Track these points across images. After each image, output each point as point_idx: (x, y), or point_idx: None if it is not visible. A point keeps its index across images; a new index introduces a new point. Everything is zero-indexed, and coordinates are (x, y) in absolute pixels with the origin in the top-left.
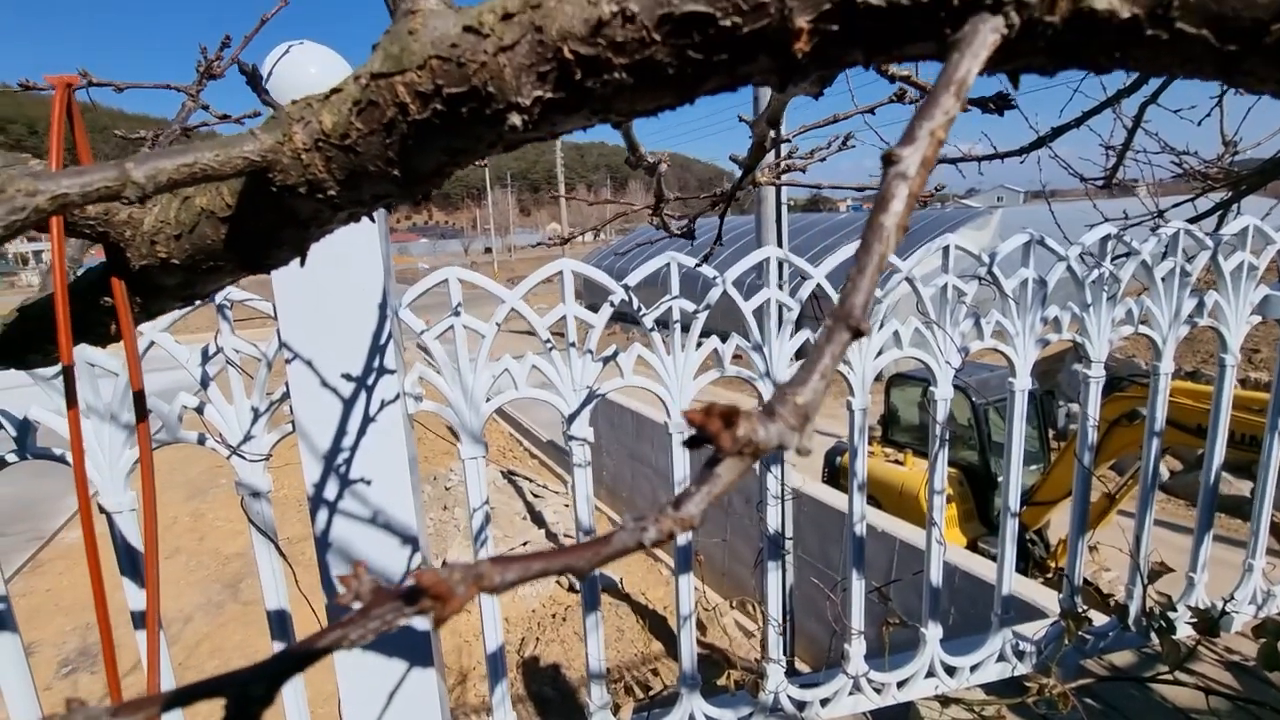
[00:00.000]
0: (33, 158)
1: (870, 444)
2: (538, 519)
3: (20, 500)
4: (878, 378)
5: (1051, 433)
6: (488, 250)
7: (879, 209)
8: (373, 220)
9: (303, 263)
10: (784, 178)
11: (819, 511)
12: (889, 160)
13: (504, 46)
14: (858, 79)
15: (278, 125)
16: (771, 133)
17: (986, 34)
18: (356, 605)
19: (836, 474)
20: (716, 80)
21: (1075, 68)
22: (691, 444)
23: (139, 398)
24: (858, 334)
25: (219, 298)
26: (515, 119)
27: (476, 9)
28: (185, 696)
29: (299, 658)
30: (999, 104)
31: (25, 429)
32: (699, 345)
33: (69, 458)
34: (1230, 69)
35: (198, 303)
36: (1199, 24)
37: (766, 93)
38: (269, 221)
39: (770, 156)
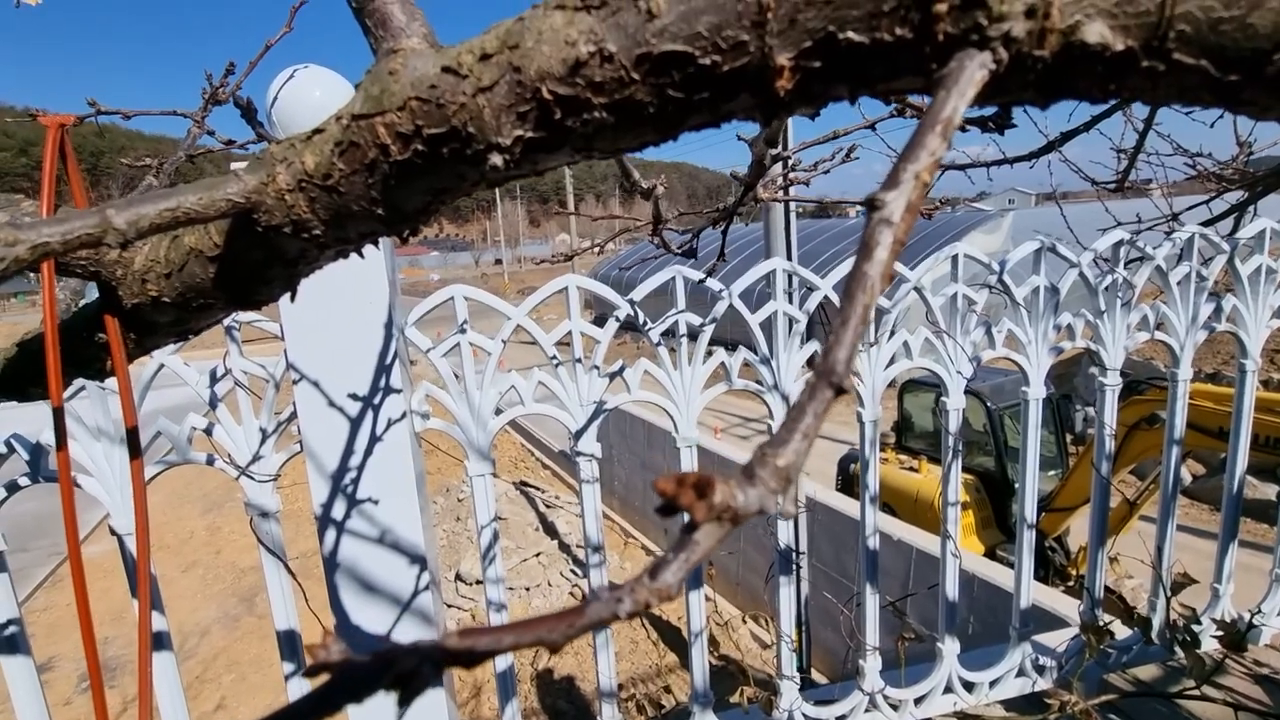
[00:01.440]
0: (25, 198)
1: (884, 450)
2: (550, 530)
3: (41, 516)
4: (890, 383)
5: (1069, 437)
6: (498, 262)
7: (863, 257)
8: (362, 256)
9: (293, 298)
10: (789, 192)
11: (833, 520)
12: (872, 205)
13: (483, 87)
14: None
15: (261, 166)
16: (771, 151)
17: (973, 71)
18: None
19: (850, 481)
20: (699, 118)
21: (1068, 99)
22: (663, 512)
23: (132, 434)
24: (840, 391)
25: (227, 320)
26: (496, 159)
27: (455, 49)
28: None
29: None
30: (998, 123)
31: (38, 454)
32: (706, 358)
33: (80, 480)
34: (1230, 99)
35: (191, 337)
36: (1197, 55)
37: None
38: (257, 260)
39: (777, 168)
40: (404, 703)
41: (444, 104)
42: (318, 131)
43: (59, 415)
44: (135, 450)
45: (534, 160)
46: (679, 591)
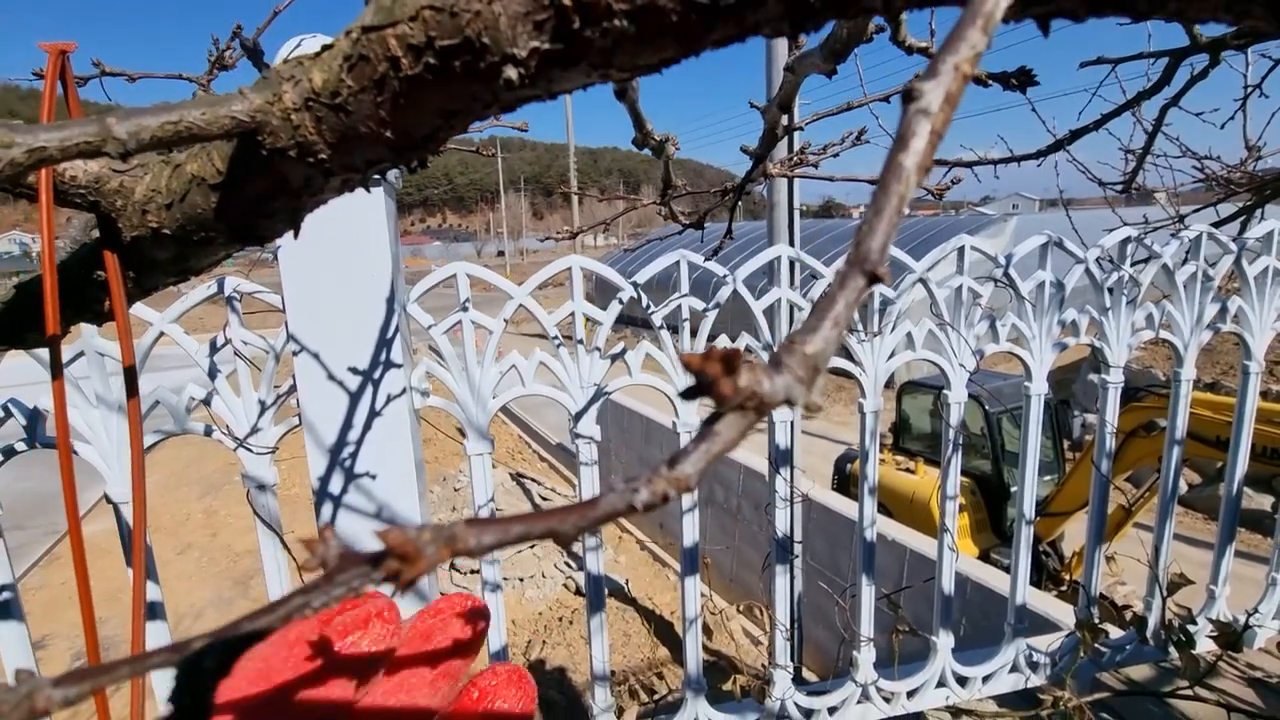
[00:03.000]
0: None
1: (881, 451)
2: None
3: (38, 494)
4: (888, 384)
5: (1066, 443)
6: (500, 254)
7: (898, 148)
8: (368, 190)
9: (296, 234)
10: (797, 172)
11: (828, 519)
12: (909, 96)
13: None
14: (871, 71)
15: (268, 85)
16: (784, 119)
17: None
18: (322, 572)
19: (846, 481)
20: (724, 30)
21: (1109, 13)
22: (688, 395)
23: (129, 373)
24: (874, 279)
25: (228, 289)
26: (511, 72)
27: None
28: (132, 667)
29: (257, 627)
30: (1021, 79)
31: (35, 418)
32: (708, 344)
33: (77, 446)
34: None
35: (190, 278)
36: None
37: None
38: (260, 189)
39: (783, 152)
40: (405, 587)
41: (458, 13)
42: (327, 47)
43: (54, 344)
44: (133, 389)
45: (549, 77)
46: (697, 483)
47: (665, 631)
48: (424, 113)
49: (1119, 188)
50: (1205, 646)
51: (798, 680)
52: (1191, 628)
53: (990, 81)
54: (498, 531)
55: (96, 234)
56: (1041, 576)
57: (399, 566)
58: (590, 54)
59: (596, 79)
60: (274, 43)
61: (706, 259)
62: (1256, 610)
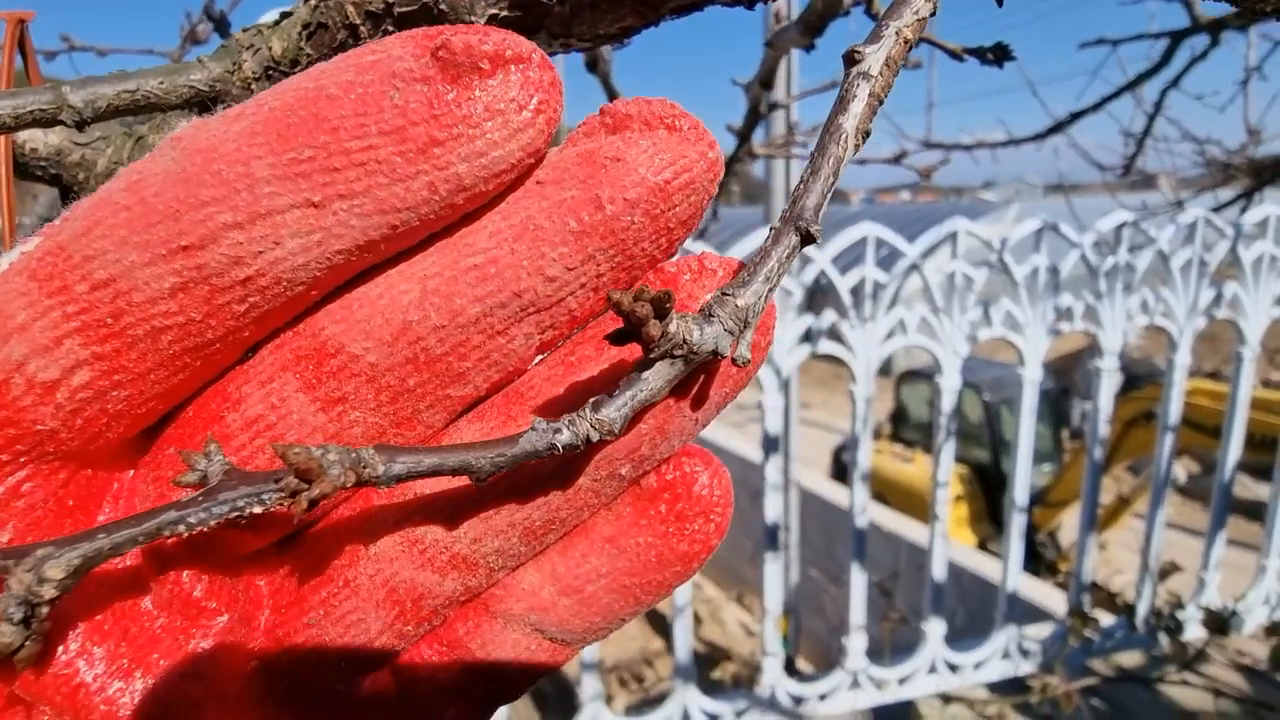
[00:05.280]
0: None
1: (879, 441)
2: None
3: None
4: (886, 372)
5: (1066, 432)
6: None
7: (838, 109)
8: None
9: None
10: (783, 152)
11: (824, 509)
12: (850, 59)
13: None
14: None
15: (227, 53)
16: (768, 97)
17: None
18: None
19: (844, 471)
20: None
21: None
22: (616, 339)
23: None
24: (808, 238)
25: None
26: None
27: None
28: None
29: (115, 540)
30: (998, 55)
31: None
32: None
33: None
34: None
35: None
36: None
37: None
38: None
39: (779, 130)
40: (306, 511)
41: None
42: (286, 15)
43: None
44: None
45: None
46: (621, 429)
47: (659, 622)
48: None
49: (1119, 172)
50: (1196, 633)
51: (793, 671)
52: (1181, 615)
53: (966, 56)
54: (409, 460)
55: (63, 211)
56: (1039, 566)
57: (297, 485)
58: (549, 22)
59: (558, 48)
60: (253, 14)
61: (697, 237)
62: (1245, 597)
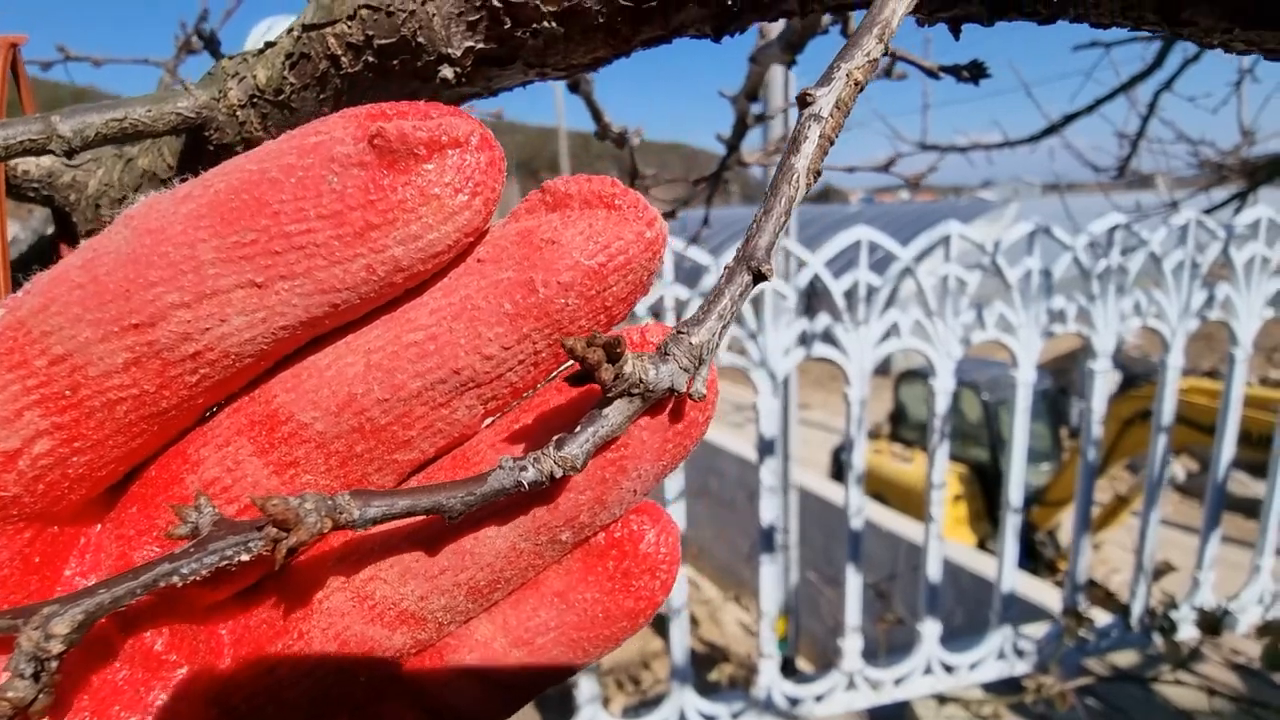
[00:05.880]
0: None
1: (878, 440)
2: None
3: None
4: (885, 371)
5: (1065, 431)
6: None
7: (790, 150)
8: None
9: None
10: (772, 160)
11: (824, 510)
12: (802, 101)
13: None
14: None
15: (213, 81)
16: (754, 109)
17: None
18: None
19: (844, 471)
20: (650, 30)
21: (1015, 17)
22: (574, 381)
23: None
24: (760, 278)
25: None
26: (447, 71)
27: None
28: None
29: (115, 594)
30: (973, 72)
31: None
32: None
33: None
34: (1173, 17)
35: None
36: None
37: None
38: None
39: (774, 138)
40: (287, 558)
41: (394, 12)
42: (270, 45)
43: None
44: None
45: (486, 76)
46: (584, 465)
47: (657, 621)
48: None
49: (1114, 173)
50: (1190, 633)
51: (793, 672)
52: (1175, 614)
53: (942, 74)
54: (383, 503)
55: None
56: (1038, 565)
57: (277, 534)
58: (524, 53)
59: (534, 77)
60: (248, 21)
61: (691, 242)
62: (1238, 596)
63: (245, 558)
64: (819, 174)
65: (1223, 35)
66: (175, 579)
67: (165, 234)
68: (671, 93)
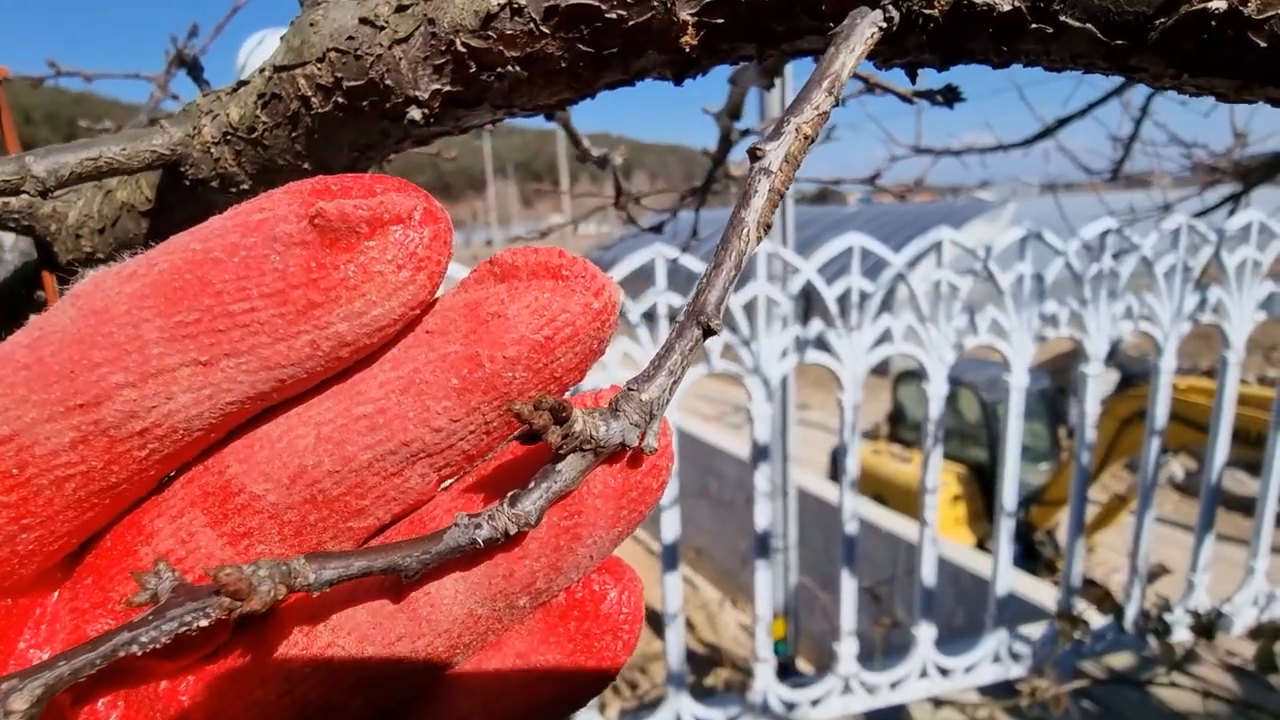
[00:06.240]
0: None
1: (877, 441)
2: None
3: None
4: (884, 371)
5: (1064, 430)
6: (489, 243)
7: (740, 204)
8: None
9: None
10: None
11: (823, 510)
12: (753, 155)
13: (399, 39)
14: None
15: (187, 118)
16: (736, 126)
17: (865, 28)
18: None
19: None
20: (612, 75)
21: (965, 62)
22: (525, 439)
23: None
24: (709, 332)
25: None
26: (415, 113)
27: (374, 1)
28: None
29: (75, 666)
30: (947, 96)
31: None
32: None
33: None
34: (1123, 64)
35: None
36: (1083, 18)
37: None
38: (188, 215)
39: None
40: (242, 624)
41: (362, 56)
42: (243, 84)
43: None
44: None
45: (455, 116)
46: (538, 520)
47: (657, 621)
48: (339, 147)
49: (1107, 176)
50: (1184, 636)
51: (793, 672)
52: (1169, 616)
53: (916, 99)
54: (339, 565)
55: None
56: (1037, 565)
57: (231, 604)
58: (490, 95)
59: (502, 115)
60: (239, 36)
61: (683, 251)
62: (1231, 599)
63: (204, 623)
64: (769, 226)
65: (1172, 81)
66: (135, 648)
67: (110, 314)
68: (671, 93)
